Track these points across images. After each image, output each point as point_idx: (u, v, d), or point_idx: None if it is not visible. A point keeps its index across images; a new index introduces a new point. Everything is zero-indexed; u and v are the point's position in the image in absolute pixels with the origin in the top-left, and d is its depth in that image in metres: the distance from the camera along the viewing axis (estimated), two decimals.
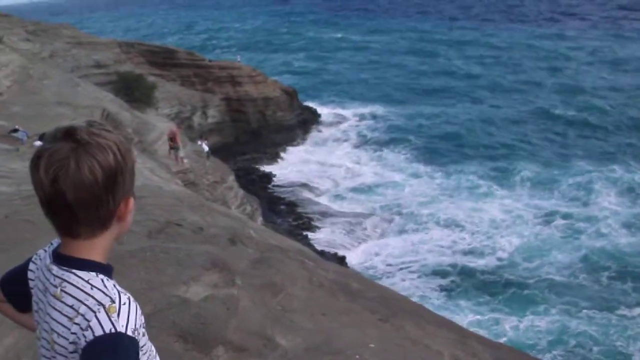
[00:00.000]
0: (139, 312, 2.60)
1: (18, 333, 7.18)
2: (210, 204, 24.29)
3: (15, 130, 28.41)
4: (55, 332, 2.57)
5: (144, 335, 2.67)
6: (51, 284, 2.68)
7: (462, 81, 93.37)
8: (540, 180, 53.76)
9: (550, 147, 62.93)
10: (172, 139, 39.16)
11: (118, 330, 2.43)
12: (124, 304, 2.53)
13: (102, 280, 2.59)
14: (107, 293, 2.54)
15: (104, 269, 2.67)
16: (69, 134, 2.50)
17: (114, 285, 2.61)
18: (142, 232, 12.69)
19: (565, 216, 46.59)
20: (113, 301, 2.51)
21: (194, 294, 8.85)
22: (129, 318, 2.50)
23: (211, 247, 11.72)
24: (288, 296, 9.92)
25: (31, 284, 2.91)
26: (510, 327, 34.20)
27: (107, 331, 2.42)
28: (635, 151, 59.36)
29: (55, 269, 2.68)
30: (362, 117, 77.14)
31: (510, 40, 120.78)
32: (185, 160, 38.78)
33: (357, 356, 8.05)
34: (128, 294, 2.61)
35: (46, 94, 36.67)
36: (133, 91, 55.22)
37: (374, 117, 77.32)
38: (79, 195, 2.46)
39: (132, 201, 2.70)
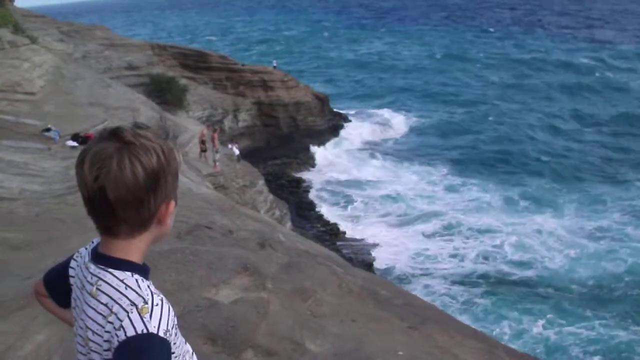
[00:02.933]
0: (172, 313, 2.60)
1: (49, 330, 7.20)
2: (239, 207, 24.37)
3: (48, 130, 28.53)
4: (90, 329, 2.61)
5: (176, 336, 2.70)
6: (88, 281, 2.71)
7: (508, 92, 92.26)
8: (587, 198, 53.00)
9: (600, 163, 62.13)
10: (203, 141, 39.27)
11: (150, 331, 2.45)
12: (157, 305, 2.54)
13: (137, 281, 2.61)
14: (141, 293, 2.56)
15: (141, 270, 2.69)
16: (114, 134, 2.56)
17: (148, 286, 2.62)
18: (172, 234, 12.70)
19: (610, 233, 46.00)
20: (146, 302, 2.52)
21: (224, 296, 8.85)
22: (161, 319, 2.51)
23: (241, 251, 11.73)
24: (318, 301, 9.90)
25: (71, 280, 2.95)
26: (540, 338, 34.04)
27: (139, 332, 2.44)
28: None
29: (92, 267, 2.72)
30: (396, 126, 76.43)
31: (550, 49, 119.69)
32: (218, 164, 38.88)
33: None
34: (162, 296, 2.61)
35: (78, 94, 36.84)
36: (165, 93, 55.42)
37: (408, 125, 76.72)
38: (120, 194, 2.50)
39: (172, 204, 2.72)
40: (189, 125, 45.59)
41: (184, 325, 7.68)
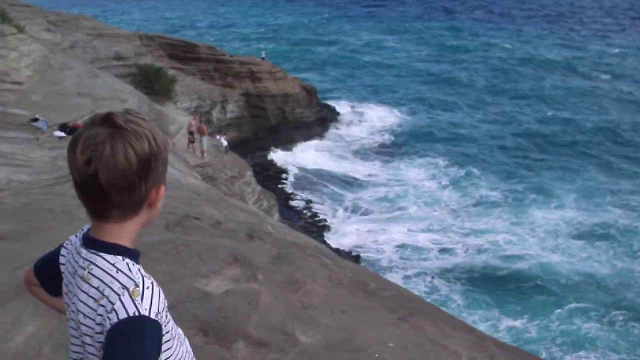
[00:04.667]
0: (162, 296, 2.65)
1: (39, 322, 7.19)
2: (228, 198, 24.36)
3: (35, 120, 28.49)
4: (82, 313, 2.65)
5: (167, 318, 2.73)
6: (80, 266, 2.76)
7: (496, 85, 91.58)
8: (587, 191, 53.06)
9: (605, 157, 62.16)
10: (191, 132, 39.23)
11: (142, 313, 2.49)
12: (147, 287, 2.59)
13: (128, 264, 2.66)
14: (132, 277, 2.61)
15: (131, 254, 2.74)
16: (106, 119, 2.61)
17: (139, 270, 2.67)
18: (161, 225, 12.72)
19: (607, 229, 46.07)
20: (137, 285, 2.57)
21: (215, 287, 8.86)
22: (152, 302, 2.55)
23: (231, 242, 11.73)
24: (308, 293, 9.91)
25: (62, 267, 2.99)
26: (530, 332, 34.23)
27: (131, 314, 2.48)
28: None
29: (84, 251, 2.77)
30: (384, 118, 76.16)
31: (553, 45, 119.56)
32: (206, 155, 38.86)
33: (377, 354, 8.03)
34: (152, 279, 2.66)
35: (66, 84, 36.78)
36: (152, 84, 55.37)
37: (398, 119, 76.29)
38: (112, 178, 2.54)
39: (163, 189, 2.77)
40: (177, 116, 45.56)
41: (176, 316, 7.65)
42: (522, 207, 50.17)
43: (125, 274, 2.62)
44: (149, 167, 2.62)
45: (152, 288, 2.60)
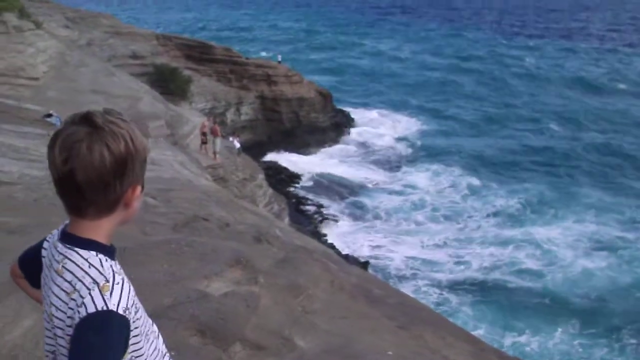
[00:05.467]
0: (132, 293, 2.73)
1: (37, 316, 7.22)
2: (238, 200, 24.41)
3: (49, 115, 28.57)
4: (54, 305, 2.71)
5: (136, 314, 2.79)
6: (55, 260, 2.81)
7: (516, 98, 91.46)
8: (605, 207, 52.43)
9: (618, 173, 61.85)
10: (204, 133, 39.26)
11: (109, 308, 2.55)
12: (117, 283, 2.65)
13: (101, 260, 2.71)
14: (103, 272, 2.67)
15: (106, 250, 2.78)
16: (85, 118, 2.64)
17: (111, 266, 2.73)
18: (169, 225, 12.77)
19: (628, 247, 45.39)
20: (107, 280, 2.63)
21: (215, 289, 8.87)
22: (121, 297, 2.61)
23: (236, 244, 11.74)
24: (309, 297, 9.91)
25: (43, 260, 3.02)
26: (532, 348, 34.06)
27: (99, 308, 2.54)
28: None
29: (60, 246, 2.81)
30: (401, 126, 76.36)
31: (567, 56, 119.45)
32: (218, 156, 38.88)
33: None
34: (123, 275, 2.75)
35: (82, 81, 36.90)
36: (168, 84, 55.51)
37: (415, 127, 76.41)
38: (88, 177, 2.58)
39: (139, 189, 2.80)
40: (191, 117, 45.58)
41: (174, 316, 7.71)
42: (540, 220, 49.75)
43: (97, 269, 2.67)
44: (125, 168, 2.66)
45: (122, 284, 2.67)
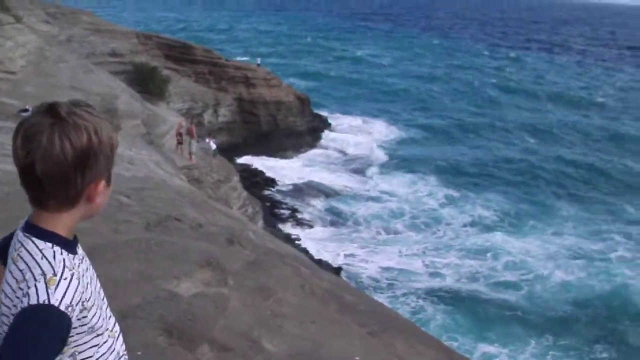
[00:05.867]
0: (80, 289, 2.66)
1: None
2: (212, 202, 24.34)
3: (26, 110, 28.34)
4: (4, 292, 2.69)
5: (84, 311, 2.71)
6: (14, 247, 2.79)
7: (495, 109, 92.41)
8: (581, 220, 52.93)
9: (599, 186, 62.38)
10: (180, 133, 39.23)
11: (51, 302, 2.50)
12: (65, 278, 2.60)
13: (54, 252, 2.67)
14: (53, 265, 2.62)
15: (64, 243, 2.74)
16: (50, 109, 2.60)
17: (63, 260, 2.68)
18: (141, 224, 12.71)
19: (605, 259, 45.87)
20: (55, 274, 2.58)
21: (185, 289, 8.83)
22: (66, 293, 2.56)
23: (207, 245, 11.70)
24: (279, 301, 9.87)
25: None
26: (504, 358, 34.15)
27: (41, 301, 2.50)
28: None
29: (20, 234, 2.79)
30: (378, 132, 76.81)
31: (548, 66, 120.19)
32: (194, 157, 38.86)
33: None
34: (74, 271, 2.68)
35: (60, 77, 36.76)
36: (146, 83, 55.32)
37: (391, 133, 76.98)
38: (47, 169, 2.54)
39: (102, 184, 2.75)
40: (168, 117, 45.54)
41: (142, 315, 7.67)
42: (518, 232, 50.01)
43: (48, 261, 2.62)
44: (87, 161, 2.60)
45: (71, 280, 2.61)
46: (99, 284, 2.98)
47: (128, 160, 23.73)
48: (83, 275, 2.76)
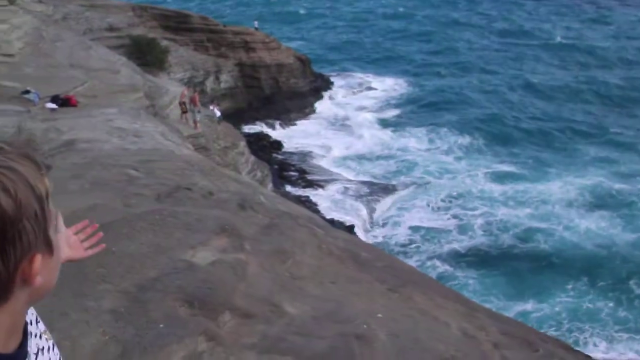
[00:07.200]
0: None
1: None
2: (221, 169, 24.28)
3: (27, 92, 28.36)
4: None
5: None
6: None
7: (503, 51, 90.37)
8: (604, 161, 52.59)
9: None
10: (183, 102, 39.10)
11: None
12: None
13: None
14: None
15: None
16: None
17: None
18: (151, 196, 12.66)
19: (628, 198, 45.67)
20: None
21: (202, 258, 8.78)
22: None
23: (221, 212, 11.65)
24: (297, 263, 9.84)
25: None
26: (541, 312, 33.99)
27: None
28: None
29: None
30: (383, 88, 75.30)
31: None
32: (199, 125, 38.76)
33: (365, 325, 7.97)
34: None
35: (58, 56, 36.63)
36: (145, 55, 55.04)
37: (398, 89, 75.22)
38: None
39: (38, 258, 1.88)
40: (170, 87, 45.35)
41: (161, 287, 7.62)
42: (541, 177, 49.52)
43: None
44: (4, 236, 1.80)
45: None
46: None
47: (134, 134, 23.66)
48: None
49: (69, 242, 2.67)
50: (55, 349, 2.29)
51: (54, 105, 27.49)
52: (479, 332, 9.48)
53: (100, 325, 6.70)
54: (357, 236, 34.42)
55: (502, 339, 9.61)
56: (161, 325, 6.76)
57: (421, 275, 14.13)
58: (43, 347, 2.16)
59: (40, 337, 2.19)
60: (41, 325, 2.24)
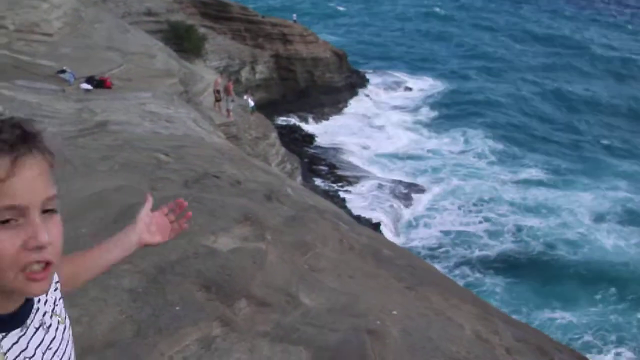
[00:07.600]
0: None
1: None
2: (250, 158, 24.40)
3: (63, 71, 28.57)
4: None
5: None
6: None
7: (539, 58, 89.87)
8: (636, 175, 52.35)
9: None
10: (217, 90, 39.25)
11: None
12: None
13: None
14: None
15: None
16: None
17: None
18: (179, 181, 12.78)
19: None
20: None
21: (223, 244, 8.87)
22: None
23: (246, 201, 11.75)
24: (317, 256, 9.92)
25: None
26: (567, 322, 33.89)
27: None
28: None
29: None
30: (419, 88, 75.32)
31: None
32: (232, 114, 38.91)
33: (379, 321, 8.04)
34: None
35: (96, 38, 36.85)
36: (183, 41, 55.22)
37: (434, 89, 75.19)
38: None
39: None
40: (205, 75, 45.50)
41: (180, 270, 7.74)
42: (570, 187, 49.46)
43: None
44: None
45: None
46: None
47: (166, 119, 23.83)
48: None
49: (150, 228, 2.91)
50: (66, 332, 2.32)
51: (88, 86, 27.69)
52: (492, 336, 9.52)
53: (119, 304, 6.84)
54: (382, 234, 34.43)
55: (516, 344, 9.64)
56: (177, 308, 6.88)
57: (439, 275, 14.18)
58: (49, 325, 2.20)
59: (51, 316, 2.23)
60: (58, 309, 2.29)
